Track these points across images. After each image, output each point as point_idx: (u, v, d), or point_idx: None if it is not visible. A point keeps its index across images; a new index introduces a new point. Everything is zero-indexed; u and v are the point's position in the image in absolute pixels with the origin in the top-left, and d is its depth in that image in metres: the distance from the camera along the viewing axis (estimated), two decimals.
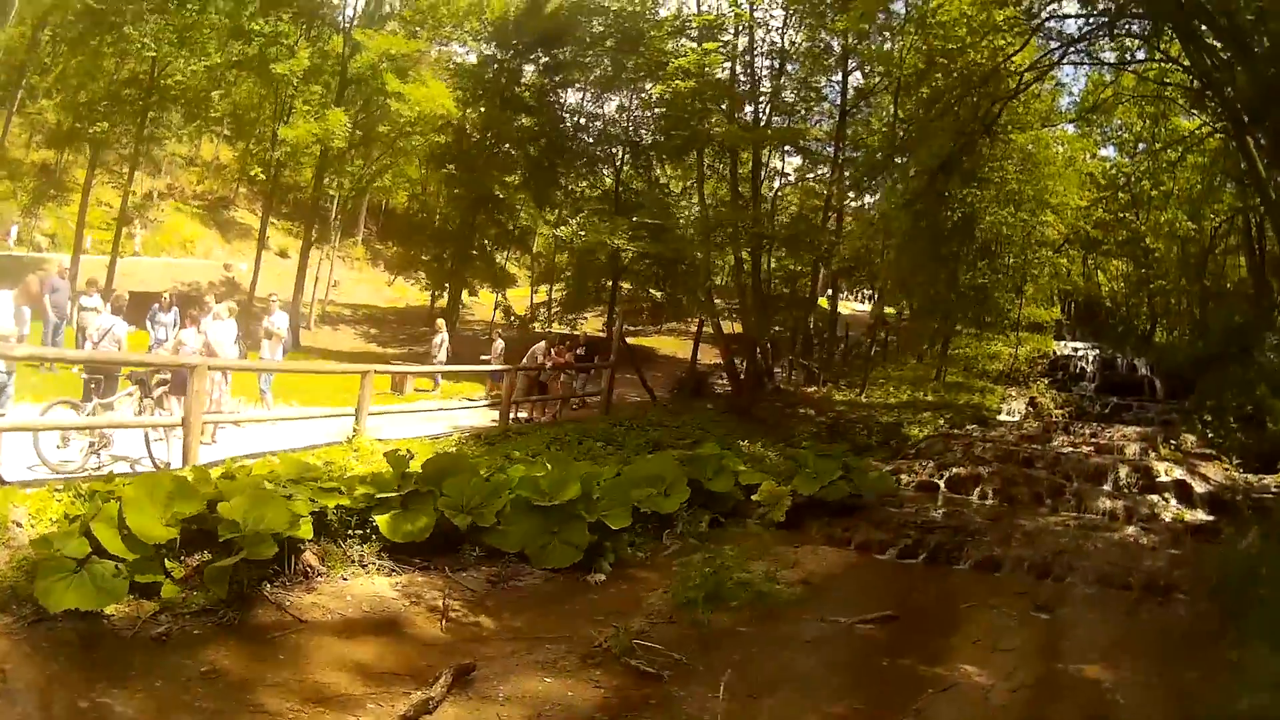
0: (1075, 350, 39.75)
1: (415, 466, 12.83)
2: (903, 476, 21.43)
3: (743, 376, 29.41)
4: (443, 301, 41.89)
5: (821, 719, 8.64)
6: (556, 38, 37.38)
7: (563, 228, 35.80)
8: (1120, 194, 39.92)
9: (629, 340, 38.97)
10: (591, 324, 42.74)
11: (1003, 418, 30.47)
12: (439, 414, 21.84)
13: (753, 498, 16.85)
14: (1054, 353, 39.11)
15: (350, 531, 11.55)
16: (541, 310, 47.29)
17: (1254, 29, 16.12)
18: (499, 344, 27.83)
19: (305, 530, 10.33)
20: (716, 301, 31.70)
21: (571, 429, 20.99)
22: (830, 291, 41.40)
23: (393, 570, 11.27)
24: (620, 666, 9.14)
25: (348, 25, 40.09)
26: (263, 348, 20.11)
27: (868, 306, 50.56)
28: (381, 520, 11.55)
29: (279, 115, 39.29)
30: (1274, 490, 20.46)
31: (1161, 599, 13.49)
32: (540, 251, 48.59)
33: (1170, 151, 31.06)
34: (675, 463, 16.42)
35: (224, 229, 48.42)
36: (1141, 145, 39.75)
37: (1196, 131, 27.02)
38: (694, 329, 32.24)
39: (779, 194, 37.35)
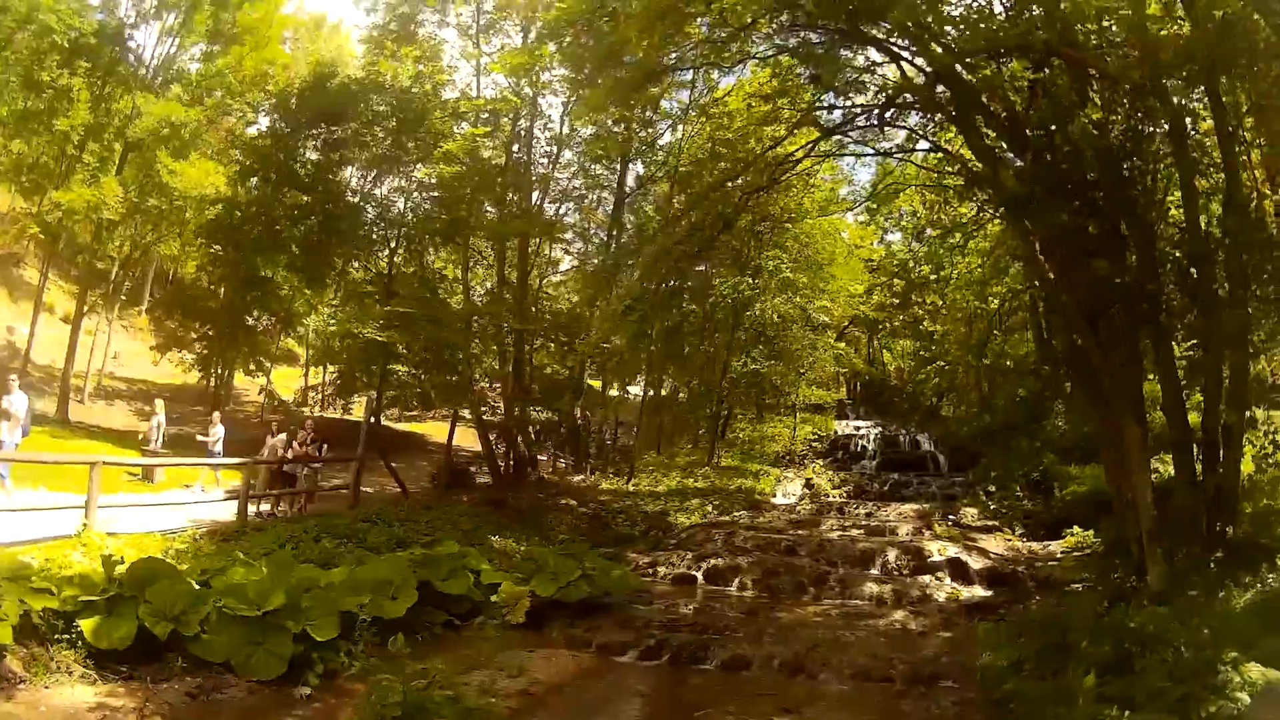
0: (857, 429, 39.47)
1: (121, 571, 11.89)
2: (660, 569, 20.23)
3: (506, 466, 27.90)
4: (219, 386, 39.36)
5: None
6: (338, 114, 35.67)
7: (313, 315, 34.10)
8: (897, 280, 40.08)
9: (401, 427, 37.18)
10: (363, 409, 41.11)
11: (778, 500, 29.62)
12: (181, 507, 19.97)
13: (492, 599, 15.79)
14: (835, 432, 38.66)
15: (57, 635, 10.79)
16: (312, 393, 45.07)
17: (1027, 118, 15.79)
18: (218, 430, 25.34)
19: (3, 634, 9.67)
20: (483, 387, 30.19)
21: (314, 525, 19.19)
22: (604, 380, 40.69)
23: (97, 679, 10.44)
24: None
25: (138, 87, 37.26)
26: (0, 429, 18.22)
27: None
28: (86, 625, 10.77)
29: (67, 172, 36.35)
30: (1060, 555, 20.15)
31: (925, 689, 12.38)
32: (316, 332, 46.33)
33: (952, 236, 31.16)
34: (407, 564, 15.40)
35: (13, 287, 44.05)
36: (928, 231, 40.05)
37: (976, 217, 26.98)
38: (467, 415, 30.60)
39: (552, 282, 36.41)
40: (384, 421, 39.76)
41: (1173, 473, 15.53)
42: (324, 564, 15.47)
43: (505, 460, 28.32)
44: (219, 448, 24.60)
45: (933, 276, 35.10)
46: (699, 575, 19.81)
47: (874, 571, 19.48)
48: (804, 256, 34.55)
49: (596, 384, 39.71)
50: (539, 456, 31.78)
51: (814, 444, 37.34)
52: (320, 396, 44.55)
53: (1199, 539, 13.47)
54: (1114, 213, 14.88)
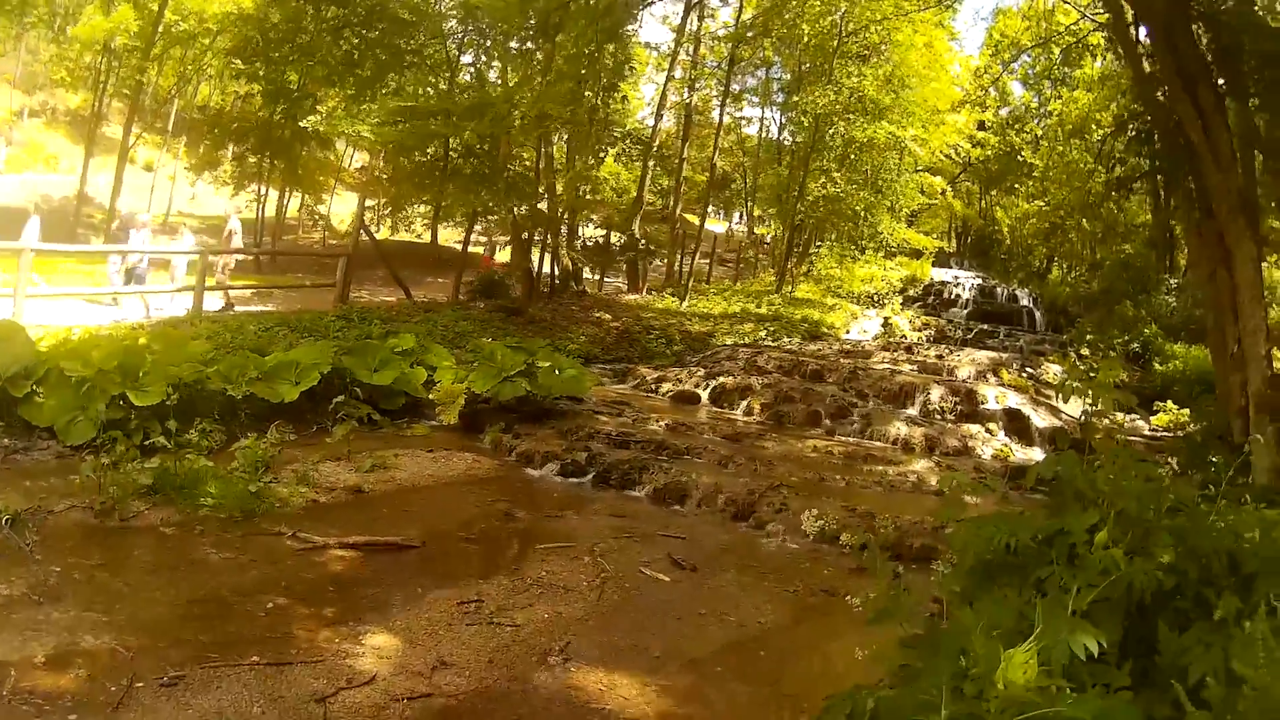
0: (955, 277, 35.72)
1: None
2: (665, 385, 16.60)
3: (544, 279, 24.75)
4: (262, 208, 37.55)
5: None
6: None
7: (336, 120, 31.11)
8: (990, 100, 35.94)
9: (472, 250, 34.28)
10: (441, 234, 39.18)
11: (851, 336, 25.94)
12: (149, 300, 18.89)
13: (430, 396, 12.96)
14: (931, 278, 34.92)
15: None
16: (369, 214, 42.43)
17: None
18: (184, 240, 22.07)
19: None
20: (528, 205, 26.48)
21: (274, 319, 17.01)
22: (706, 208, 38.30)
23: None
24: None
25: None
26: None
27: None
28: None
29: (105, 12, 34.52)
30: (1148, 431, 16.17)
31: (911, 567, 7.95)
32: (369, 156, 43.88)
33: (1050, 52, 26.72)
34: (332, 352, 12.83)
35: (93, 143, 42.68)
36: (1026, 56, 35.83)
37: (1074, 27, 22.51)
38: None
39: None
40: (444, 242, 37.91)
41: None
42: (258, 351, 13.20)
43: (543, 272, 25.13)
44: (32, 236, 18.92)
45: (1035, 103, 30.86)
46: (704, 395, 16.08)
47: (910, 411, 15.24)
48: (895, 76, 30.14)
49: (693, 218, 36.86)
50: (588, 274, 28.77)
51: (906, 290, 33.41)
52: (375, 218, 41.93)
53: None
54: None
